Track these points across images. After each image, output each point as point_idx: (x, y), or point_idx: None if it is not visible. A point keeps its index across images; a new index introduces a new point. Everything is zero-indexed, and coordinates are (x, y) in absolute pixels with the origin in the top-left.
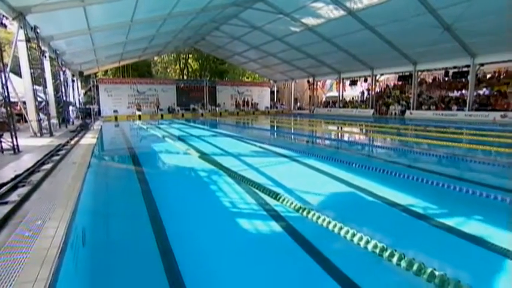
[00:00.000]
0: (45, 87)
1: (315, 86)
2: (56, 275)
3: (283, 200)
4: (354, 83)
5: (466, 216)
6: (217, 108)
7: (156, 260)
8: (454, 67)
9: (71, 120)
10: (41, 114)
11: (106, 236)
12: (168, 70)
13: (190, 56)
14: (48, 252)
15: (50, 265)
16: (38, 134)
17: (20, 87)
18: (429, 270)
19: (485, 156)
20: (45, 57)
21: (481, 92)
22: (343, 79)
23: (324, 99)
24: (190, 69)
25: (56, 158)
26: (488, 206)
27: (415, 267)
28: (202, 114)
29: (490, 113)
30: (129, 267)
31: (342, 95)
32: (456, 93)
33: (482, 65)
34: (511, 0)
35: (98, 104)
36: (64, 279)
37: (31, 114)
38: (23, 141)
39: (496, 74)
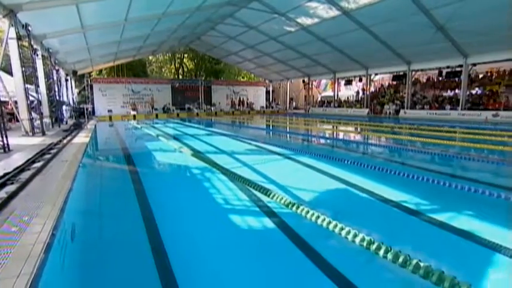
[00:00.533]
0: (37, 86)
1: (310, 86)
2: (40, 270)
3: (276, 197)
4: (348, 82)
5: (456, 212)
6: (212, 108)
7: (147, 258)
8: (447, 67)
9: (65, 119)
10: (33, 114)
11: (96, 233)
12: (163, 70)
13: (186, 55)
14: (34, 248)
15: (34, 260)
16: (30, 133)
17: (12, 86)
18: (414, 261)
19: (477, 153)
20: (37, 55)
21: (473, 92)
22: (338, 79)
23: (319, 98)
24: (185, 69)
25: (47, 156)
26: (478, 201)
27: (400, 259)
28: (197, 114)
29: (482, 112)
30: (120, 266)
31: (337, 94)
32: (449, 93)
33: (474, 64)
34: (502, 1)
35: (92, 104)
36: (49, 274)
37: (23, 113)
38: (14, 140)
39: (488, 74)
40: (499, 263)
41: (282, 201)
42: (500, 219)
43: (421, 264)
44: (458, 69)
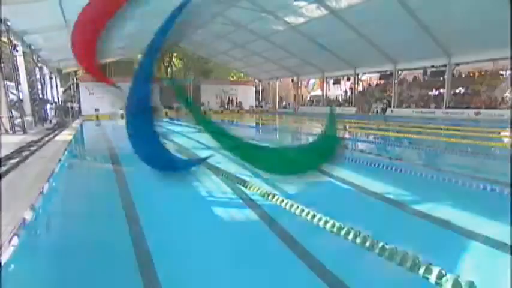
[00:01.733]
0: (18, 83)
1: (299, 85)
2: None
3: (262, 191)
4: (337, 81)
5: (435, 202)
6: (201, 107)
7: (129, 254)
8: (432, 66)
9: (49, 118)
10: (13, 111)
11: (70, 231)
12: None
13: (175, 54)
14: None
15: None
16: (10, 132)
17: None
18: (380, 244)
19: (458, 148)
20: (17, 51)
21: (457, 91)
22: (326, 78)
23: (308, 98)
24: (174, 68)
25: (26, 153)
26: (458, 192)
27: (368, 243)
28: (186, 113)
29: (465, 111)
30: (97, 265)
31: (326, 93)
32: (435, 92)
33: (457, 64)
34: (484, 2)
35: (79, 103)
36: (14, 266)
37: (2, 111)
38: None
39: (471, 74)
40: (474, 248)
41: (268, 196)
42: (476, 208)
43: (387, 246)
44: (442, 68)
